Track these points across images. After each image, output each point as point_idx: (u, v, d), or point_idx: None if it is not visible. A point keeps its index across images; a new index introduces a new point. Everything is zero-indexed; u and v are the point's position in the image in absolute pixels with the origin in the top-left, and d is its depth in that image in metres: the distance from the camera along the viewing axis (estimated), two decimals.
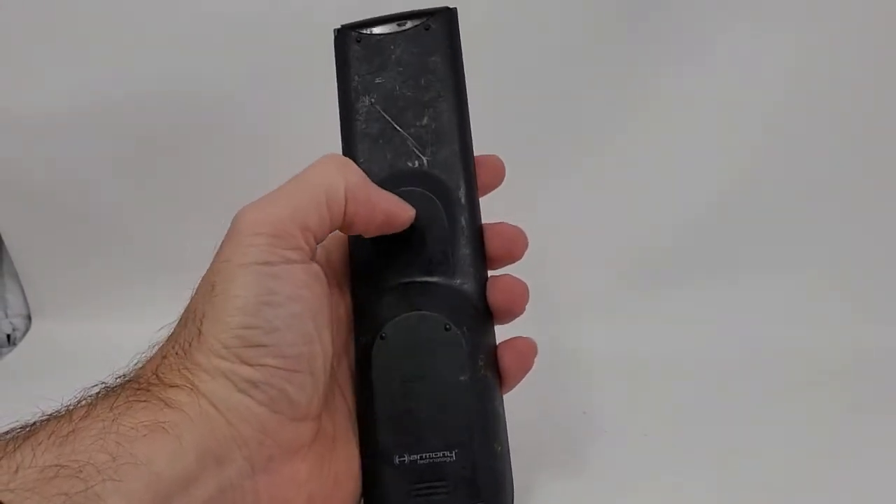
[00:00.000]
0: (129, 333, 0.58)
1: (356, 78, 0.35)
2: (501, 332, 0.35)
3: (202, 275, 0.59)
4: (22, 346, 0.64)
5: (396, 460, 0.32)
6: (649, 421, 0.44)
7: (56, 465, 0.23)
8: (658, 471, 0.39)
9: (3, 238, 0.64)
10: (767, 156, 0.57)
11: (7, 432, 0.26)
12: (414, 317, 0.33)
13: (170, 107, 0.59)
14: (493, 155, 0.36)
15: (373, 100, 0.35)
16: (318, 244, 0.31)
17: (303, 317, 0.30)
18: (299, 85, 0.57)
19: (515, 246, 0.35)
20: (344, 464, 0.32)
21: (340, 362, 0.34)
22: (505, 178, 0.36)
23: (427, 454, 0.32)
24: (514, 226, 0.35)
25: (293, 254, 0.30)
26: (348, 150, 0.35)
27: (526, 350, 0.34)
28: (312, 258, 0.31)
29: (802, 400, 0.46)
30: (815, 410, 0.45)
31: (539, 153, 0.58)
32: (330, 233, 0.31)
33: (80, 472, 0.23)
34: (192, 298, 0.30)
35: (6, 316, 0.67)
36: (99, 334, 0.61)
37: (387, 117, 0.35)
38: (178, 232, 0.62)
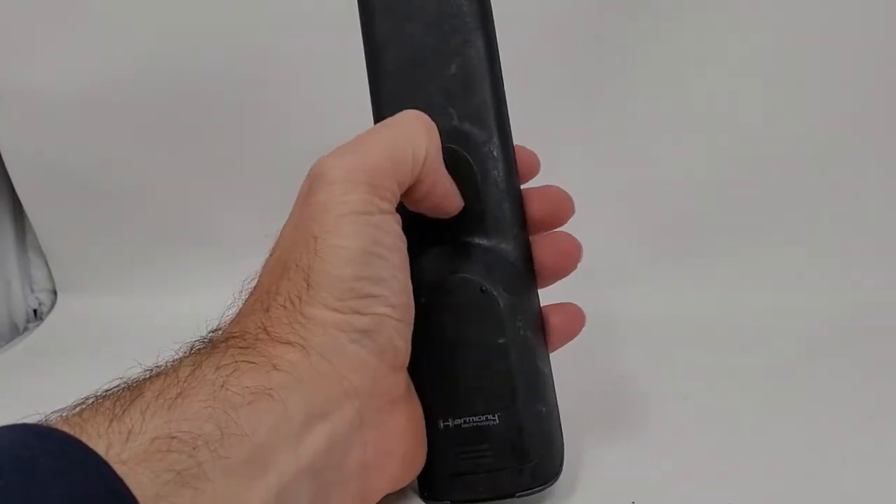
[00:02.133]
0: (154, 307, 0.60)
1: (380, 32, 0.34)
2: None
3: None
4: (48, 321, 0.64)
5: (441, 425, 0.32)
6: (687, 384, 0.43)
7: (168, 437, 0.23)
8: (701, 433, 0.38)
9: (28, 214, 0.64)
10: (791, 120, 0.55)
11: (109, 391, 0.25)
12: (450, 280, 0.32)
13: (192, 80, 0.58)
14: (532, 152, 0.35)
15: (398, 53, 0.33)
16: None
17: (403, 268, 0.30)
18: (324, 54, 0.56)
19: (561, 209, 0.34)
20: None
21: None
22: (522, 147, 0.35)
23: (470, 418, 0.32)
24: (560, 189, 0.34)
25: (387, 205, 0.29)
26: (377, 109, 0.34)
27: (575, 313, 0.34)
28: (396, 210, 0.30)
29: (834, 359, 0.46)
30: (849, 369, 0.45)
31: (555, 119, 0.57)
32: (407, 185, 0.30)
33: (190, 445, 0.23)
34: (283, 248, 0.29)
35: (32, 291, 0.67)
36: (125, 308, 0.62)
37: (412, 70, 0.33)
38: (202, 206, 0.62)
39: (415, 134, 0.30)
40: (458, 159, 0.33)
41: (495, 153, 0.33)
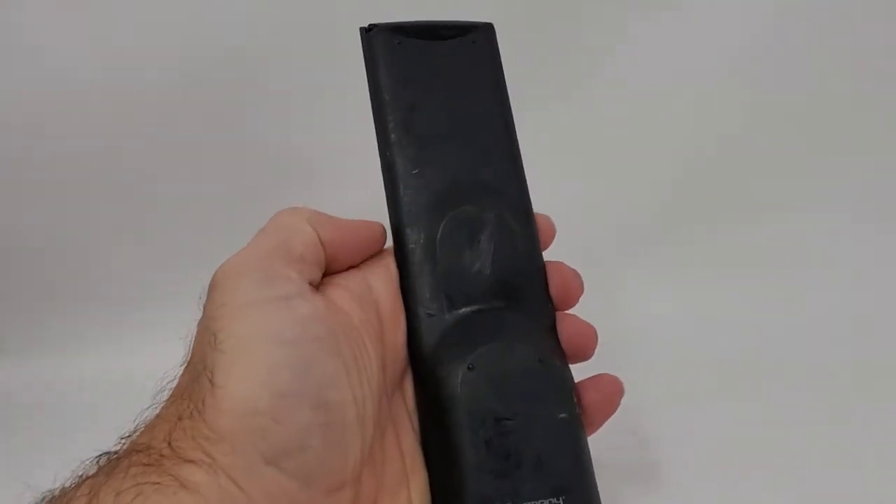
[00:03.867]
0: (88, 370, 0.54)
1: (395, 84, 0.33)
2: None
3: (160, 308, 0.55)
4: None
5: None
6: (693, 404, 0.43)
7: None
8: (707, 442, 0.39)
9: None
10: (783, 99, 0.55)
11: None
12: (502, 347, 0.29)
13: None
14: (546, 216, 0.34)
15: (415, 109, 0.32)
16: (310, 281, 0.29)
17: (319, 357, 0.26)
18: (312, 87, 0.55)
19: (572, 287, 0.32)
20: None
21: (393, 400, 0.30)
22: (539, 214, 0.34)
23: (533, 503, 0.27)
24: (571, 268, 0.33)
25: (291, 288, 0.27)
26: (387, 160, 0.32)
27: (613, 388, 0.31)
28: (313, 292, 0.28)
29: (836, 358, 0.46)
30: (853, 367, 0.45)
31: (537, 122, 0.54)
32: (317, 268, 0.29)
33: None
34: (192, 354, 0.27)
35: None
36: (54, 371, 0.56)
37: (435, 129, 0.32)
38: (136, 268, 0.58)
39: (284, 218, 0.30)
40: (486, 223, 0.32)
41: (523, 222, 0.32)
